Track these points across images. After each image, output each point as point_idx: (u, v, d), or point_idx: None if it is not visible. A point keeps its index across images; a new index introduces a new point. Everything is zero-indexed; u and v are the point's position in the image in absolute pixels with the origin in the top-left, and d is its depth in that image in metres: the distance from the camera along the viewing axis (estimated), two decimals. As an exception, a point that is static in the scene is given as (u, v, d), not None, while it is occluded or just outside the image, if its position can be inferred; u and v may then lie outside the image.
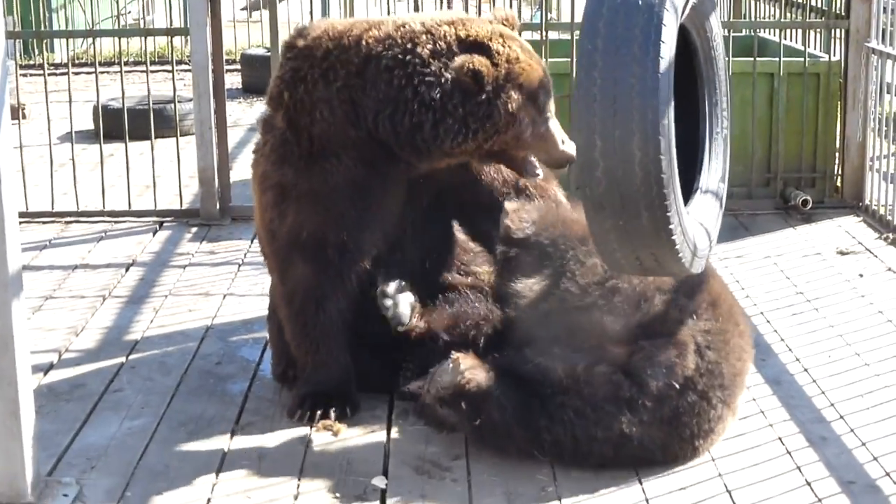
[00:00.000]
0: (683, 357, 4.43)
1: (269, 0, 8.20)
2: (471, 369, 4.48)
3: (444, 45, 4.71)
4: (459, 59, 4.63)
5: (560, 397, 4.42)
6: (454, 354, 4.55)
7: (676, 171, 3.80)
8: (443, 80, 4.64)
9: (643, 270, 4.04)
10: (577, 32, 7.94)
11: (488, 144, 4.74)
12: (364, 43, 4.77)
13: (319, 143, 4.82)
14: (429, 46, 4.71)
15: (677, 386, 4.40)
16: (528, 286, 4.77)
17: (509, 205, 4.95)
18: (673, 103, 3.74)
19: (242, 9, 16.29)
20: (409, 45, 4.71)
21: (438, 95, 4.64)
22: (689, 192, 4.26)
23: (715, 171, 4.41)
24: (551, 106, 4.85)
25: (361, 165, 4.84)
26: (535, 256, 4.81)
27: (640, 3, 3.69)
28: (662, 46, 3.65)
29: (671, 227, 3.77)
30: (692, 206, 4.22)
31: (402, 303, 4.89)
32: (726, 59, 4.47)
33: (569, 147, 4.80)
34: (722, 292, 4.73)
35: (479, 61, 4.63)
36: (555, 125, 4.85)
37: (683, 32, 4.16)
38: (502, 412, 4.44)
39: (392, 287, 4.88)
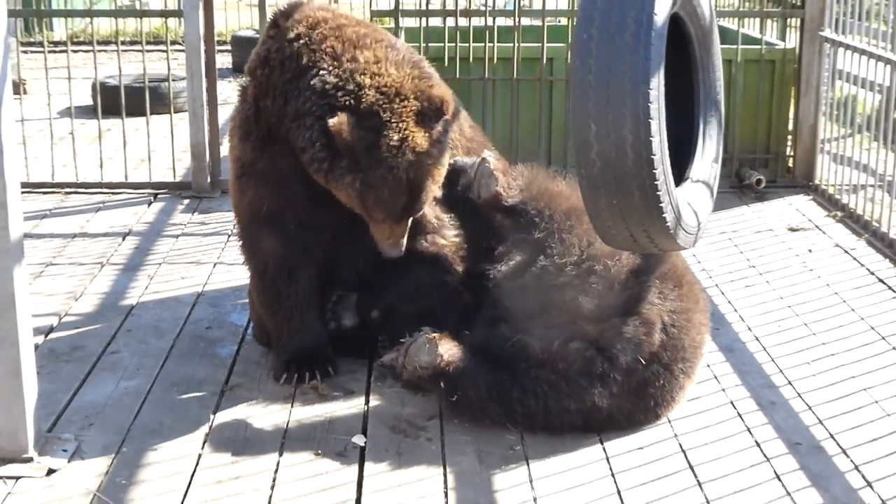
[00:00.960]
0: (650, 334, 4.45)
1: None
2: (448, 350, 4.46)
3: (358, 102, 4.50)
4: (333, 121, 4.43)
5: (535, 371, 4.44)
6: (429, 333, 4.51)
7: (667, 152, 3.81)
8: (323, 130, 4.49)
9: (637, 247, 4.05)
10: (548, 19, 7.97)
11: (341, 197, 4.63)
12: (311, 50, 4.63)
13: (273, 125, 4.73)
14: (340, 96, 4.52)
15: (644, 360, 4.44)
16: (507, 258, 4.75)
17: (494, 164, 4.78)
18: (663, 88, 3.75)
19: None
20: (338, 80, 4.54)
21: (319, 139, 4.50)
22: (682, 173, 4.28)
23: (708, 153, 4.39)
24: (397, 210, 4.63)
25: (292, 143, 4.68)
26: (519, 225, 4.74)
27: None
28: (654, 35, 3.66)
29: (661, 205, 3.79)
30: (685, 187, 4.22)
31: (345, 315, 5.01)
32: (718, 49, 4.44)
33: (389, 249, 4.75)
34: (685, 272, 4.76)
35: (342, 132, 4.41)
36: (385, 225, 4.70)
37: (677, 20, 4.17)
38: (477, 389, 4.45)
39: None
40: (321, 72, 4.56)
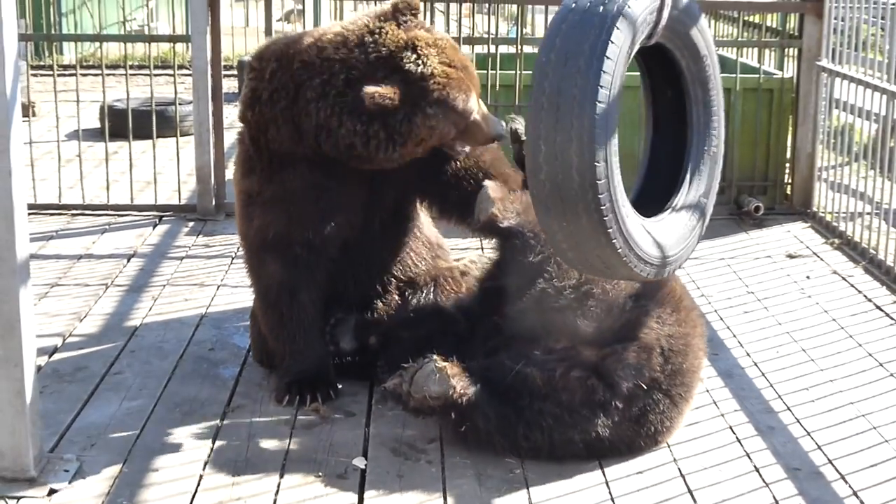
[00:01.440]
0: (650, 359, 4.41)
1: (295, 12, 8.14)
2: (460, 380, 4.36)
3: (357, 72, 4.60)
4: (368, 89, 4.48)
5: (538, 404, 4.37)
6: (437, 361, 4.40)
7: (618, 177, 3.78)
8: (360, 108, 4.55)
9: (595, 272, 4.04)
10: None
11: (419, 149, 4.72)
12: (295, 69, 4.69)
13: (277, 156, 4.81)
14: (342, 76, 4.61)
15: (644, 387, 4.40)
16: (506, 282, 4.72)
17: (493, 190, 4.76)
18: (615, 114, 3.74)
19: (278, 20, 16.33)
20: (326, 75, 4.63)
21: (358, 124, 4.59)
22: (664, 204, 4.24)
23: (697, 186, 4.28)
24: (473, 102, 4.72)
25: (316, 170, 4.80)
26: (517, 248, 4.70)
27: (595, 20, 3.70)
28: (607, 61, 3.66)
29: (609, 231, 3.75)
30: (661, 217, 4.17)
31: (343, 339, 5.00)
32: (720, 83, 4.31)
33: (493, 127, 4.80)
34: (683, 296, 4.72)
35: (385, 91, 4.49)
36: (478, 116, 4.76)
37: (665, 52, 4.15)
38: (486, 421, 4.37)
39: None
40: (312, 82, 4.63)
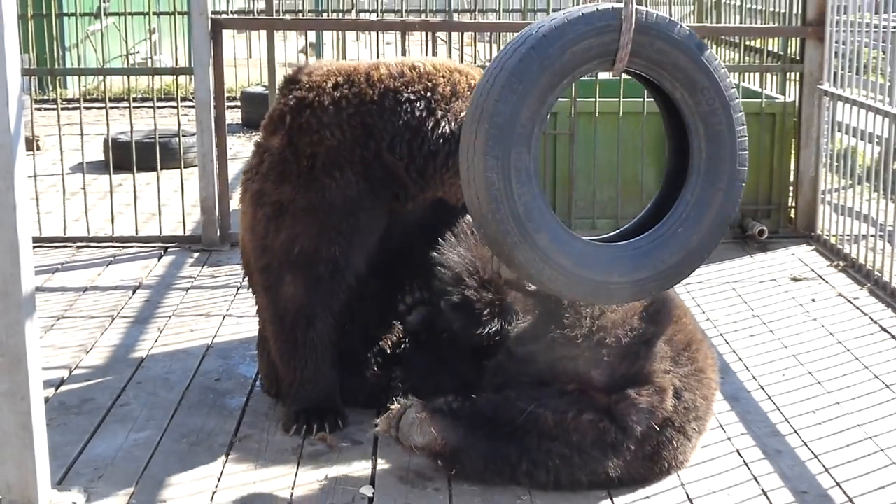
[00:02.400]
0: (663, 401, 4.40)
1: (308, 46, 8.19)
2: (443, 429, 4.35)
3: (461, 88, 4.91)
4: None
5: (546, 444, 4.36)
6: (418, 409, 4.38)
7: (526, 191, 3.96)
8: (462, 117, 4.74)
9: (544, 288, 4.20)
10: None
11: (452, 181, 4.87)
12: (377, 77, 4.92)
13: (322, 161, 4.84)
14: (448, 88, 4.89)
15: (657, 427, 4.39)
16: (517, 325, 4.68)
17: None
18: (522, 132, 3.93)
19: (300, 51, 16.47)
20: (429, 84, 4.90)
21: (458, 129, 4.71)
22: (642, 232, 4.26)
23: (682, 221, 4.19)
24: None
25: (360, 182, 4.86)
26: (535, 299, 4.69)
27: (512, 45, 3.99)
28: (510, 82, 3.90)
29: (509, 241, 3.98)
30: (627, 243, 4.19)
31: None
32: (736, 117, 4.20)
33: None
34: (694, 330, 4.70)
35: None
36: None
37: (653, 86, 4.16)
38: (474, 463, 4.37)
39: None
40: (408, 87, 4.90)
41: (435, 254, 4.81)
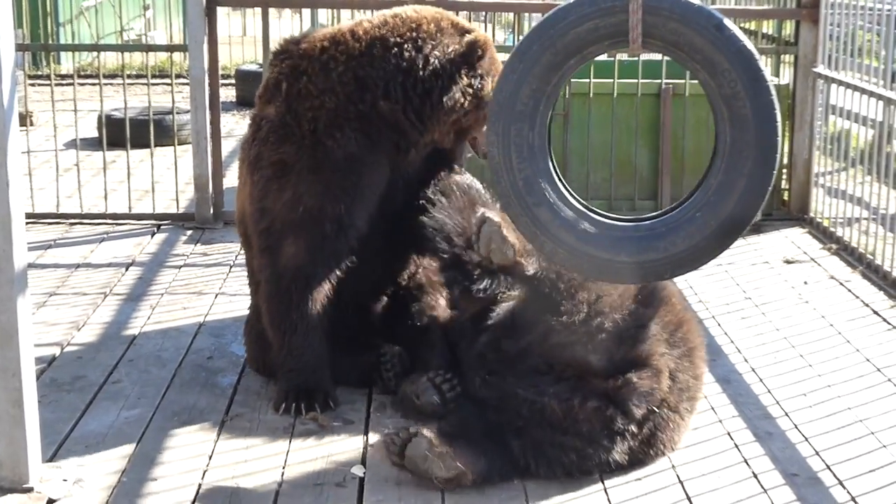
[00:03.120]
0: (660, 382, 4.39)
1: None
2: (469, 462, 4.21)
3: (444, 24, 4.98)
4: (471, 35, 4.94)
5: (560, 438, 4.32)
6: (431, 440, 4.22)
7: (529, 166, 4.04)
8: (450, 51, 4.88)
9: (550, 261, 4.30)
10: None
11: (467, 119, 4.96)
12: (361, 31, 4.96)
13: (323, 123, 4.86)
14: (432, 26, 4.95)
15: (655, 409, 4.39)
16: (514, 313, 4.66)
17: (499, 219, 4.59)
18: (524, 110, 4.01)
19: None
20: (413, 25, 4.94)
21: (448, 63, 4.86)
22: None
23: (701, 207, 4.09)
24: None
25: (359, 138, 4.88)
26: (534, 289, 4.62)
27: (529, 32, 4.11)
28: (512, 62, 4.01)
29: (513, 212, 4.09)
30: (641, 223, 4.18)
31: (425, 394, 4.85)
32: (762, 101, 3.98)
33: None
34: (683, 310, 4.69)
35: (486, 39, 4.97)
36: None
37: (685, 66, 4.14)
38: (494, 478, 4.30)
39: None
40: (393, 32, 4.93)
41: (424, 217, 4.85)
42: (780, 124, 4.01)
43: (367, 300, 5.25)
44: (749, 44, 3.99)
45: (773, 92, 3.99)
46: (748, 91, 3.96)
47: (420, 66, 4.86)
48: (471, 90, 4.91)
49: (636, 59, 7.79)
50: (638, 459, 4.44)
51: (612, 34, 3.98)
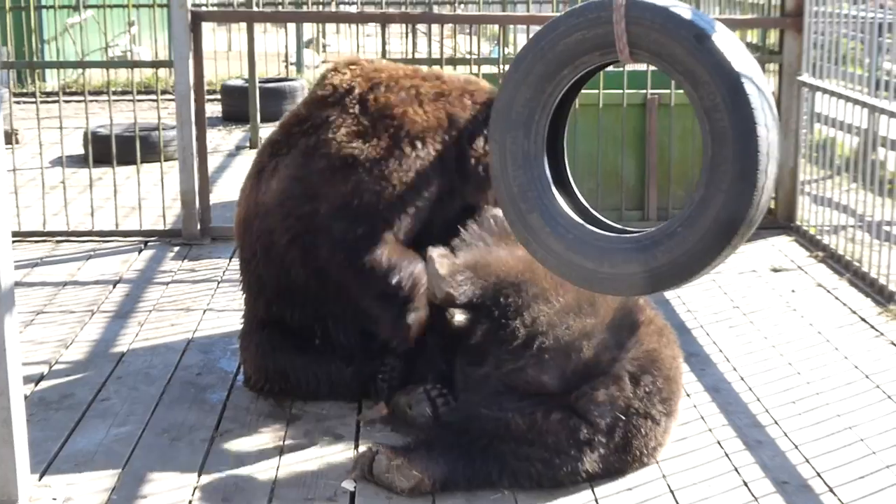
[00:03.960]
0: (621, 389, 4.40)
1: (314, 40, 8.16)
2: (425, 469, 4.31)
3: None
4: None
5: (525, 450, 4.35)
6: (387, 455, 4.34)
7: (523, 174, 4.11)
8: None
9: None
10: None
11: None
12: (446, 77, 5.33)
13: (406, 132, 5.03)
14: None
15: (622, 416, 4.39)
16: (470, 341, 4.74)
17: (441, 264, 4.72)
18: (521, 117, 4.08)
19: (305, 45, 16.58)
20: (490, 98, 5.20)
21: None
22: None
23: (692, 221, 3.98)
24: None
25: (436, 160, 5.05)
26: (475, 317, 4.75)
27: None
28: (510, 73, 4.10)
29: (508, 217, 4.16)
30: (625, 235, 4.21)
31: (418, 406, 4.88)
32: (743, 114, 3.84)
33: None
34: (640, 311, 4.67)
35: None
36: None
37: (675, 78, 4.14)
38: (460, 486, 4.34)
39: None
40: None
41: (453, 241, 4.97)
42: (765, 140, 3.84)
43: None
44: (735, 55, 3.87)
45: (759, 105, 3.85)
46: (727, 104, 3.84)
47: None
48: None
49: (621, 69, 7.83)
50: (616, 468, 4.43)
51: (600, 45, 3.99)
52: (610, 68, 4.62)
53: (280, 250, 5.02)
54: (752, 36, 9.18)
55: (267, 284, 5.12)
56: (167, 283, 6.94)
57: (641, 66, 7.66)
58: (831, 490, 4.36)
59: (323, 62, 16.42)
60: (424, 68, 5.55)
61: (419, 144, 5.02)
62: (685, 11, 3.91)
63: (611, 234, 4.18)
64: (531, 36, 4.14)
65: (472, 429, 4.41)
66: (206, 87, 7.92)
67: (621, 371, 4.43)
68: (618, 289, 4.21)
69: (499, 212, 5.11)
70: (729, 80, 3.84)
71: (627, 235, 4.18)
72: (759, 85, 3.89)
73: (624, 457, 4.44)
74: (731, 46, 3.89)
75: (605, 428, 4.37)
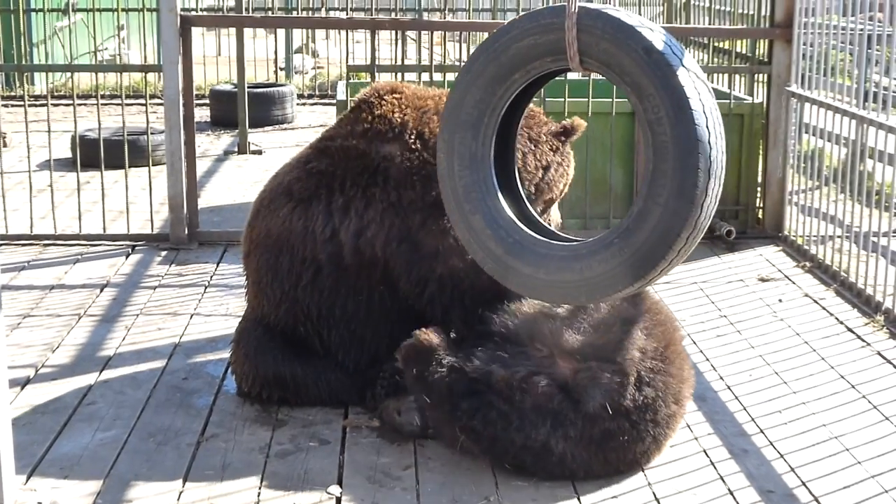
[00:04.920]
0: (624, 385, 4.42)
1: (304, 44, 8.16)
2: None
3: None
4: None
5: (490, 397, 4.43)
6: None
7: (469, 176, 4.23)
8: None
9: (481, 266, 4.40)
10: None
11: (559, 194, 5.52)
12: None
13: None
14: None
15: (611, 411, 4.40)
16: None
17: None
18: (469, 121, 4.19)
19: (296, 51, 16.60)
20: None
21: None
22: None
23: (629, 234, 3.99)
24: None
25: None
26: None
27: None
28: (460, 80, 4.22)
29: (451, 218, 4.33)
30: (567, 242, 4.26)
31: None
32: (685, 130, 3.81)
33: None
34: (676, 342, 4.70)
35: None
36: None
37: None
38: (444, 416, 4.56)
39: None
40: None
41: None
42: (706, 157, 3.79)
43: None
44: (683, 71, 3.81)
45: (703, 123, 3.80)
46: (671, 118, 3.80)
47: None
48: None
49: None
50: (583, 460, 4.43)
51: (551, 51, 4.01)
52: (598, 76, 4.59)
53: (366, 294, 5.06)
54: (742, 46, 9.22)
55: (307, 309, 5.11)
56: (154, 288, 6.94)
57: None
58: (816, 500, 4.38)
59: (313, 68, 16.43)
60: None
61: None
62: (636, 23, 3.87)
63: (552, 241, 4.20)
64: (485, 38, 4.19)
65: (465, 371, 4.54)
66: (195, 92, 7.93)
67: (631, 370, 4.44)
68: (551, 296, 4.26)
69: None
70: (674, 94, 3.79)
71: (567, 244, 4.19)
72: (706, 103, 3.82)
73: (595, 452, 4.43)
74: (680, 62, 3.82)
75: (590, 412, 4.38)
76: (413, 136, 5.08)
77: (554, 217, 5.53)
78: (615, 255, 3.98)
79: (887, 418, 5.12)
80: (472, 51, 4.29)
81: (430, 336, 4.67)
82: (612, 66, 3.92)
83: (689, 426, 4.99)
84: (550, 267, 4.11)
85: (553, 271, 4.10)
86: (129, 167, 8.20)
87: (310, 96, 14.73)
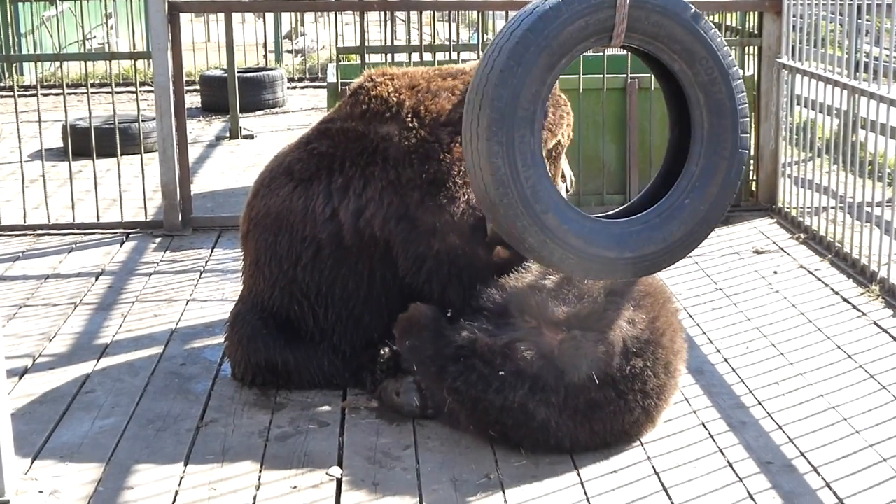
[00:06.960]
0: (609, 355, 4.43)
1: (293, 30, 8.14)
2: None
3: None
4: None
5: (472, 360, 4.49)
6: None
7: (533, 174, 4.10)
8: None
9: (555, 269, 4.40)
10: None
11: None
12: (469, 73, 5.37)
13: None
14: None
15: (597, 381, 4.41)
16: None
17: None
18: (525, 113, 4.05)
19: (284, 37, 16.52)
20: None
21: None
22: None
23: (686, 193, 4.30)
24: None
25: None
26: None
27: (505, 33, 4.13)
28: (507, 65, 4.02)
29: (521, 223, 4.15)
30: (632, 218, 4.27)
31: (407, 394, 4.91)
32: (735, 85, 4.30)
33: None
34: (667, 313, 4.72)
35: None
36: None
37: (651, 59, 4.22)
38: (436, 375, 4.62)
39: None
40: None
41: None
42: (747, 107, 4.30)
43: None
44: (716, 32, 4.21)
45: (740, 77, 4.26)
46: (724, 76, 4.19)
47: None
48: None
49: (601, 54, 7.84)
50: (568, 429, 4.44)
51: (599, 30, 4.05)
52: (589, 52, 4.65)
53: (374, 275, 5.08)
54: (732, 18, 9.21)
55: (306, 289, 5.12)
56: (149, 275, 6.94)
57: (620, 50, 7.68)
58: (815, 469, 4.40)
59: (299, 50, 16.37)
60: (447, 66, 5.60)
61: None
62: None
63: (618, 220, 4.22)
64: (527, 26, 4.02)
65: (450, 339, 4.60)
66: (185, 78, 7.91)
67: (618, 340, 4.46)
68: (637, 272, 4.29)
69: None
70: (724, 55, 4.19)
71: (632, 218, 4.24)
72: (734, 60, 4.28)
73: (581, 422, 4.44)
74: (712, 25, 4.18)
75: (575, 381, 4.40)
76: (410, 115, 5.11)
77: (567, 173, 5.54)
78: (693, 215, 4.25)
79: (884, 387, 5.13)
80: (499, 41, 4.08)
81: (424, 309, 4.74)
82: (661, 37, 4.12)
83: (686, 399, 5.01)
84: (633, 244, 4.14)
85: (636, 247, 4.14)
86: (121, 155, 8.19)
87: (300, 80, 14.71)
